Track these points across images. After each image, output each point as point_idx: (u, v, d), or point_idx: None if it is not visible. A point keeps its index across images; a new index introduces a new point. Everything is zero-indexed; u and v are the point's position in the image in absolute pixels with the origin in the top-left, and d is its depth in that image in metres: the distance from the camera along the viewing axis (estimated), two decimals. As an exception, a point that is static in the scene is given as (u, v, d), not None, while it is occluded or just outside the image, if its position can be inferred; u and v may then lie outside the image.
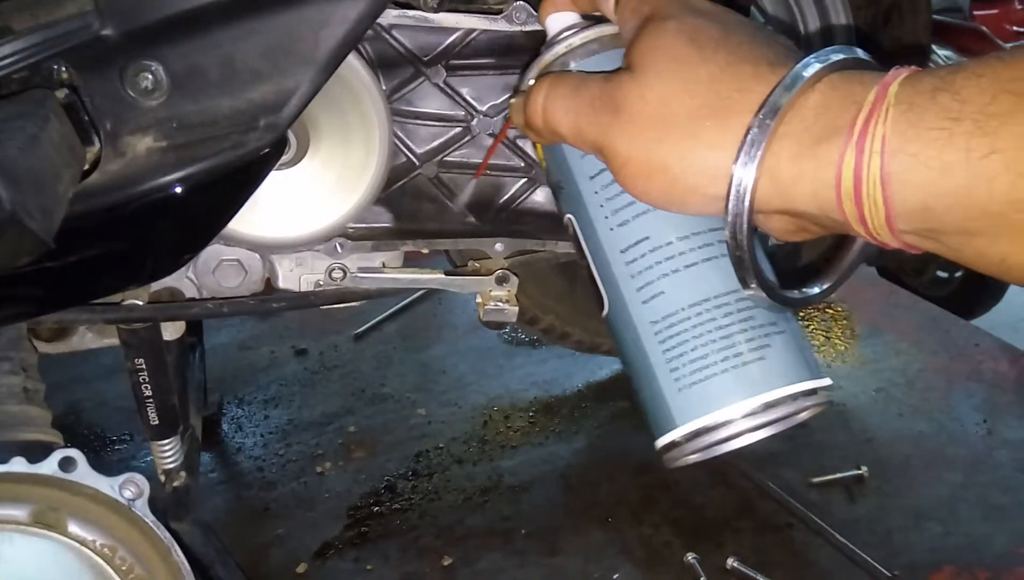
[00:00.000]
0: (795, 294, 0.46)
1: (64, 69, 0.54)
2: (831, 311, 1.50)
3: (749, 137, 0.38)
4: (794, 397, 0.45)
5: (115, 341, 0.81)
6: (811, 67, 0.38)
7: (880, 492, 1.09)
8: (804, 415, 0.47)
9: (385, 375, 1.44)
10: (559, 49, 0.51)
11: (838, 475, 1.11)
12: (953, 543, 1.01)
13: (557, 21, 0.53)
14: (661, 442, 0.47)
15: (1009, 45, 2.54)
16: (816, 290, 0.48)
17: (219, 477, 1.22)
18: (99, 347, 0.84)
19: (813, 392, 0.46)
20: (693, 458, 0.47)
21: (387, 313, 1.59)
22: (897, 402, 1.26)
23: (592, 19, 0.53)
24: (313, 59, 0.56)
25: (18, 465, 0.59)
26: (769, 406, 0.44)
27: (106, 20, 0.52)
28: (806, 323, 1.48)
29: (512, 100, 0.52)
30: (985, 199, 0.33)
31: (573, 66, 0.50)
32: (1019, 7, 2.70)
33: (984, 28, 2.55)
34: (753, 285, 0.43)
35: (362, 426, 1.30)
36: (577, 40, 0.51)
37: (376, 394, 1.38)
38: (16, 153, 0.39)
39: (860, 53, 0.40)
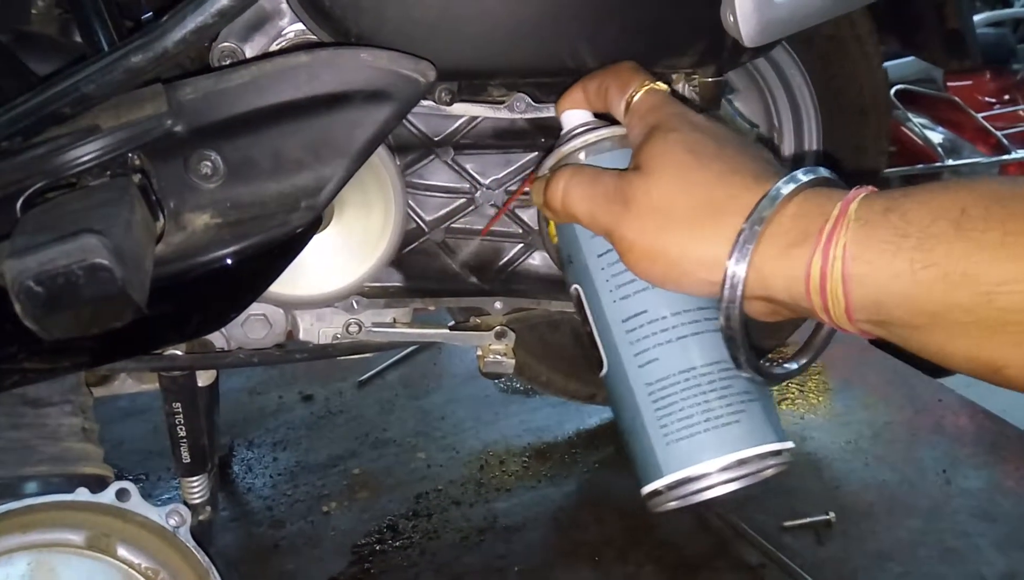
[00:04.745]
0: (776, 369, 0.54)
1: (137, 157, 0.64)
2: (806, 366, 1.59)
3: (741, 239, 0.46)
4: (762, 456, 0.51)
5: (151, 386, 0.90)
6: (789, 185, 0.46)
7: (846, 536, 1.16)
8: (769, 472, 0.53)
9: (387, 420, 1.51)
10: (576, 144, 0.59)
11: (808, 519, 1.18)
12: (912, 583, 1.09)
13: (572, 117, 0.62)
14: (647, 489, 0.54)
15: (981, 115, 2.67)
16: (794, 366, 0.55)
17: (231, 515, 1.29)
18: (135, 392, 0.93)
19: (779, 453, 0.52)
20: (672, 505, 0.53)
21: (390, 361, 1.66)
22: (864, 452, 1.34)
23: (601, 117, 0.61)
24: (347, 152, 0.66)
25: (82, 495, 0.67)
26: (741, 463, 0.51)
27: (177, 119, 0.62)
28: (783, 377, 1.57)
29: (534, 183, 0.60)
30: (924, 301, 0.41)
31: (584, 158, 0.58)
32: (991, 79, 2.83)
33: (957, 99, 2.68)
34: (742, 360, 0.50)
35: (366, 468, 1.38)
36: (592, 137, 0.58)
37: (379, 438, 1.46)
38: (121, 237, 0.48)
39: (824, 172, 0.48)
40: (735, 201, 0.47)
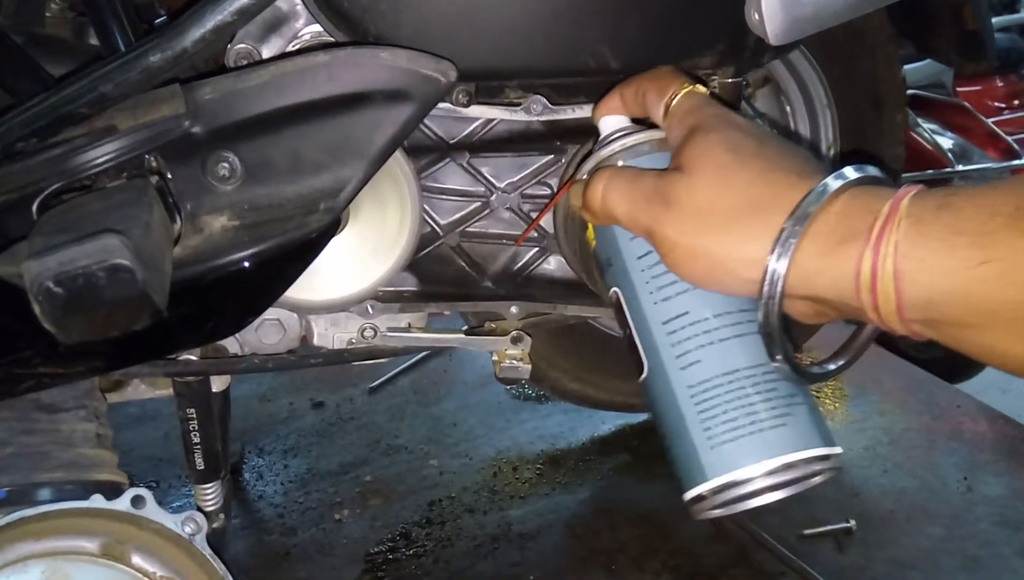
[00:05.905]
0: (814, 369, 0.53)
1: (154, 159, 0.63)
2: (821, 372, 1.58)
3: (783, 235, 0.46)
4: (809, 461, 0.50)
5: (164, 392, 0.89)
6: (837, 181, 0.46)
7: (866, 543, 1.15)
8: (817, 479, 0.52)
9: (399, 427, 1.50)
10: (615, 147, 0.59)
11: (827, 527, 1.16)
12: (933, 593, 1.07)
13: (610, 122, 0.61)
14: (690, 494, 0.53)
15: (990, 120, 2.66)
16: (832, 367, 0.54)
17: (242, 523, 1.28)
18: (148, 398, 0.92)
19: (826, 458, 0.51)
20: (717, 512, 0.52)
21: (401, 367, 1.66)
22: (882, 459, 1.33)
23: (638, 122, 0.61)
24: (366, 154, 0.65)
25: (97, 502, 0.66)
26: (788, 467, 0.49)
27: (195, 120, 0.62)
28: (797, 383, 1.55)
29: (571, 186, 0.60)
30: (979, 299, 0.40)
31: (622, 162, 0.58)
32: (1000, 84, 2.82)
33: (967, 104, 2.68)
34: (779, 358, 0.50)
35: (378, 476, 1.37)
36: (630, 141, 0.58)
37: (391, 445, 1.45)
38: (141, 239, 0.48)
39: (872, 170, 0.47)
40: (777, 199, 0.47)
